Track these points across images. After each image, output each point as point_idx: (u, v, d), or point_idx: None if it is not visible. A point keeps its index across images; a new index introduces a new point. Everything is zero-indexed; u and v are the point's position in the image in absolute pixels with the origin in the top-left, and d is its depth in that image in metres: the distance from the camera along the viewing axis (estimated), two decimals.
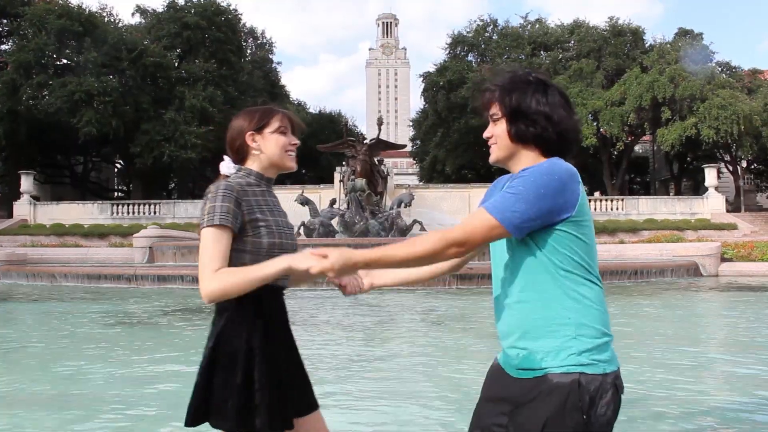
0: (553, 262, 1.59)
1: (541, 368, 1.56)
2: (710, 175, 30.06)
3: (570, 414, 1.51)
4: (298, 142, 1.97)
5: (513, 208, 1.54)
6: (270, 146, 1.92)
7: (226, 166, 1.93)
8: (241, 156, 1.94)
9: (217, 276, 1.73)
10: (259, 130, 1.91)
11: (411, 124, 55.29)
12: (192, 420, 1.79)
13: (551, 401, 1.53)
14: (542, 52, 41.60)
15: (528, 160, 1.66)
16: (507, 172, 1.77)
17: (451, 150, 41.32)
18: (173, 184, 48.28)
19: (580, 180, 1.62)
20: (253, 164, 1.93)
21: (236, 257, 1.79)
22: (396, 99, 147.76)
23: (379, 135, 23.07)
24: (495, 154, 1.72)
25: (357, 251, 1.59)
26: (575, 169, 1.61)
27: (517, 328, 1.63)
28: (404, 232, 19.33)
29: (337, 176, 25.02)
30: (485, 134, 1.73)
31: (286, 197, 27.22)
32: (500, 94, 1.68)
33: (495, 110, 1.69)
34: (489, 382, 1.74)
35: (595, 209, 29.57)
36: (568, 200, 1.57)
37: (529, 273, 1.61)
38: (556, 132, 1.64)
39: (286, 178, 49.14)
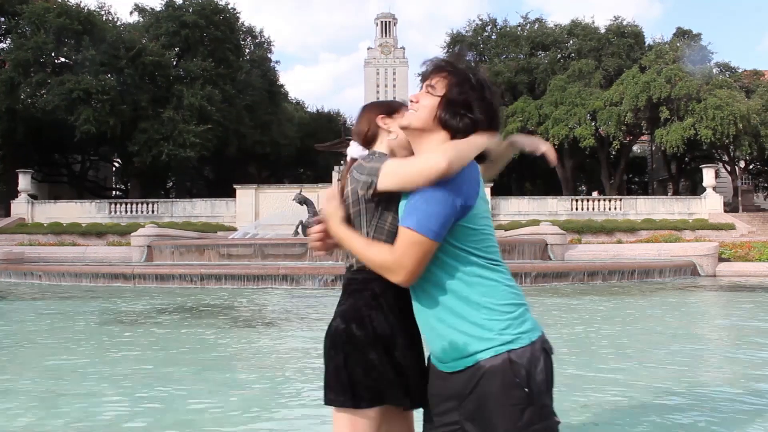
0: (452, 255, 1.61)
1: (470, 355, 1.59)
2: (708, 176, 30.13)
3: (512, 392, 1.55)
4: None
5: (429, 213, 1.55)
6: None
7: (354, 149, 1.99)
8: (370, 142, 2.00)
9: (442, 152, 1.66)
10: (389, 114, 1.98)
11: None
12: (336, 399, 1.83)
13: (491, 385, 1.56)
14: (540, 52, 41.67)
15: (437, 141, 1.71)
16: None
17: None
18: (171, 183, 48.29)
19: (478, 167, 1.66)
20: (381, 148, 1.97)
21: (378, 230, 1.82)
22: (395, 98, 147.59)
23: None
24: (410, 120, 1.75)
25: (336, 225, 1.80)
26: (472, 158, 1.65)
27: (432, 325, 1.67)
28: None
29: (335, 175, 25.00)
30: (412, 96, 1.76)
31: (285, 196, 27.27)
32: (449, 77, 1.72)
33: (438, 85, 1.72)
34: (430, 381, 1.76)
35: (594, 209, 29.62)
36: (470, 192, 1.60)
37: (432, 270, 1.63)
38: (472, 133, 1.69)
39: (284, 177, 49.19)
